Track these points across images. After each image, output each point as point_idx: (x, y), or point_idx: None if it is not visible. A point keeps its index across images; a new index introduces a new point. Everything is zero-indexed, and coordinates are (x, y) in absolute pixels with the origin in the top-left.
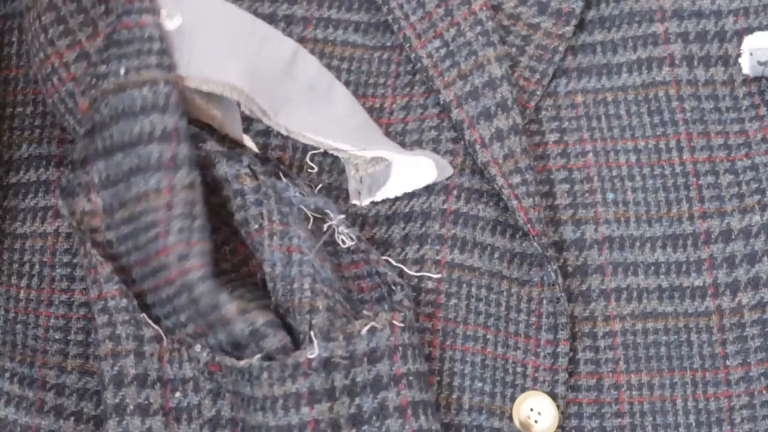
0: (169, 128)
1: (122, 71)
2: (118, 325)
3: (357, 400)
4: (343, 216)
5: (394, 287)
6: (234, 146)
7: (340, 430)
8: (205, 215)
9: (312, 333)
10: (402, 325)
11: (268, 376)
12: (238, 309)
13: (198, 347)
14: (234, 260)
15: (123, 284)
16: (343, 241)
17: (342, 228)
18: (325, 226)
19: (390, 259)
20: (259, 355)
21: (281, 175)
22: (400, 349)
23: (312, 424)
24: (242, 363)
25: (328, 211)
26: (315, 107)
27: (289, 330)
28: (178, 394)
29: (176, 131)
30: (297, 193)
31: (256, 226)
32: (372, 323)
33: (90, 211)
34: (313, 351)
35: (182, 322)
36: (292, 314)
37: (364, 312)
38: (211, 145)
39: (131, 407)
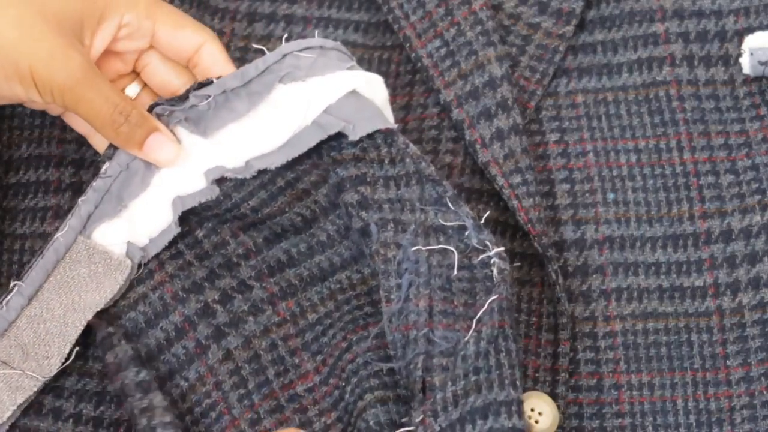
0: (180, 323)
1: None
2: None
3: None
4: (502, 249)
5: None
6: None
7: None
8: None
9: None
10: None
11: None
12: None
13: None
14: None
15: None
16: (499, 270)
17: (498, 260)
18: (480, 259)
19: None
20: None
21: (449, 203)
22: None
23: None
24: None
25: (488, 243)
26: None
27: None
28: None
29: (187, 321)
30: (465, 222)
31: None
32: None
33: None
34: None
35: None
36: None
37: None
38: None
39: None
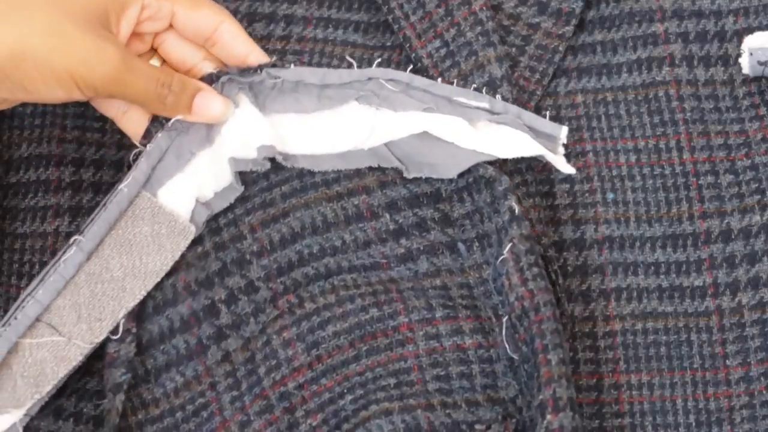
0: (186, 316)
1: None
2: None
3: None
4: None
5: None
6: None
7: None
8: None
9: None
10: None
11: None
12: None
13: None
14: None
15: None
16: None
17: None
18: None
19: None
20: None
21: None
22: None
23: None
24: None
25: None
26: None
27: None
28: None
29: (193, 316)
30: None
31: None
32: None
33: (139, 405)
34: None
35: None
36: None
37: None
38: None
39: None
